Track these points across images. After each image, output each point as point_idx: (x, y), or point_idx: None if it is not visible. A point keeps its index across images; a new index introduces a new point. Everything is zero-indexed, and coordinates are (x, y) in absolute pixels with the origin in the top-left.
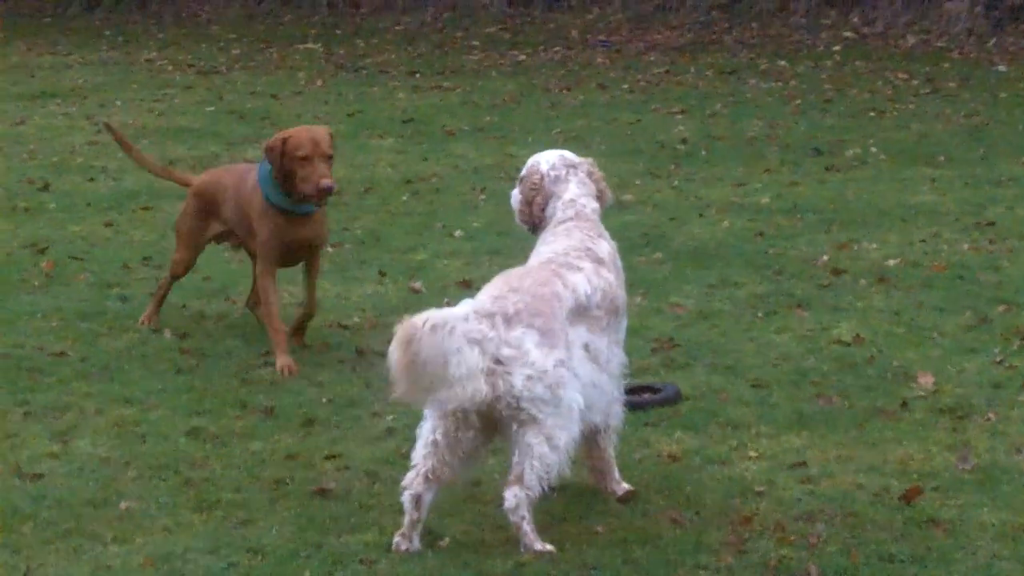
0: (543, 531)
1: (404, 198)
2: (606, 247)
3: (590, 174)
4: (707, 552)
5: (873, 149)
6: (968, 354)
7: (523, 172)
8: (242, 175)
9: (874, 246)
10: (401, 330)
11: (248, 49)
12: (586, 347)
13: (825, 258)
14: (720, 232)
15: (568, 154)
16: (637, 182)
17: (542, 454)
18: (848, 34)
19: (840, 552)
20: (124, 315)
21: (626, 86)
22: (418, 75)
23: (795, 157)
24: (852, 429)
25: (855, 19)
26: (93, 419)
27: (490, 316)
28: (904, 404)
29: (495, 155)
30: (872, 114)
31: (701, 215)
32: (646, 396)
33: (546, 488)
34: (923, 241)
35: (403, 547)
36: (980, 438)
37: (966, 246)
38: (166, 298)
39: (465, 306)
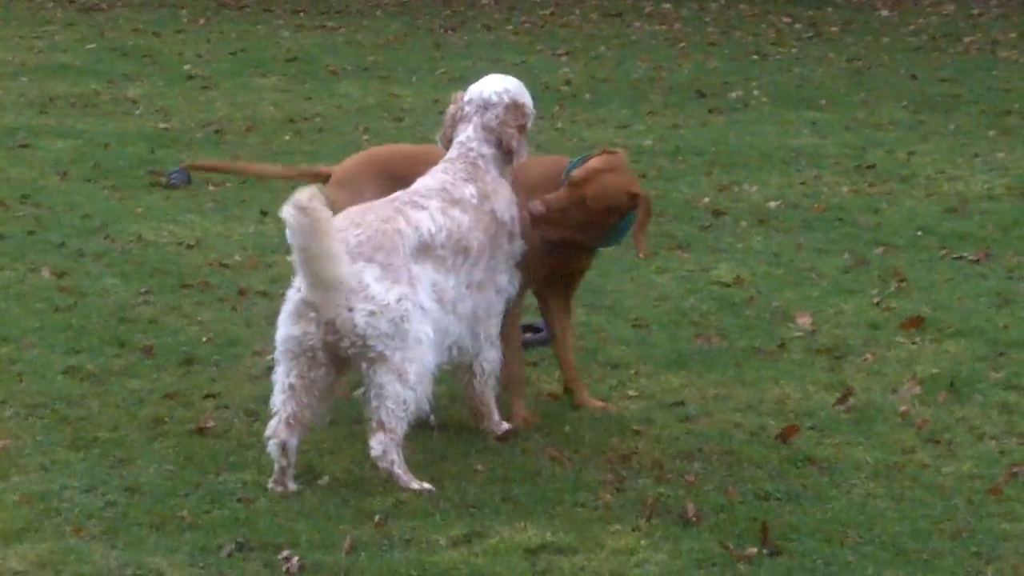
0: (423, 469)
1: (287, 137)
2: (470, 190)
3: (498, 118)
4: (586, 490)
5: (756, 92)
6: (846, 295)
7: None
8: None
9: (755, 188)
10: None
11: None
12: (433, 286)
13: (706, 200)
14: None
15: (495, 90)
16: None
17: (396, 393)
18: None
19: (717, 490)
20: (0, 253)
21: (511, 27)
22: (302, 14)
23: (678, 100)
24: (730, 369)
25: None
26: None
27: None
28: (782, 344)
29: (379, 95)
30: (755, 57)
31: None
32: (527, 335)
33: (406, 427)
34: (803, 183)
35: (278, 491)
36: (857, 378)
37: (846, 189)
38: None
39: None
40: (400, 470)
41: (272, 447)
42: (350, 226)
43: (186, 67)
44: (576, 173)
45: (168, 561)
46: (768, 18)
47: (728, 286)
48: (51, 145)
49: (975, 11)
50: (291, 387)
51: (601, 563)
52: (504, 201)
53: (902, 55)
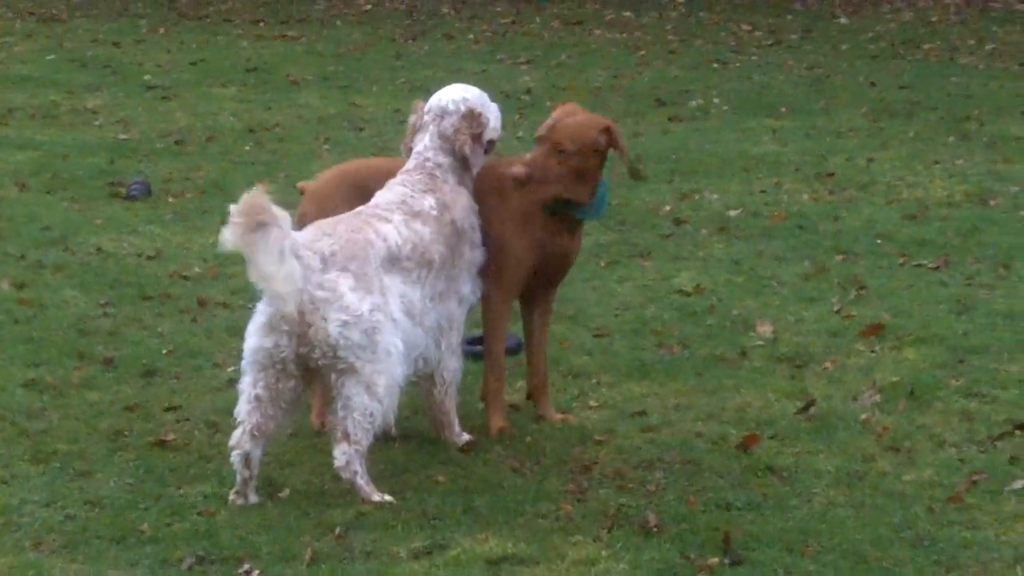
0: (384, 480)
1: (247, 147)
2: (429, 202)
3: (453, 127)
4: (547, 500)
5: (716, 100)
6: (806, 303)
7: None
8: None
9: (715, 196)
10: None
11: None
12: (401, 297)
13: (667, 208)
14: None
15: (452, 99)
16: None
17: (363, 405)
18: None
19: (678, 499)
20: None
21: (472, 36)
22: (262, 24)
23: (639, 107)
24: (692, 378)
25: None
26: None
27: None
28: (743, 352)
29: (339, 104)
30: (715, 65)
31: None
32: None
33: (371, 439)
34: (764, 191)
35: (239, 503)
36: (817, 386)
37: (806, 196)
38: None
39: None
40: (362, 481)
41: (235, 458)
42: (322, 236)
43: (146, 77)
44: (542, 127)
45: (128, 574)
46: (728, 26)
47: (689, 295)
48: (10, 156)
49: (934, 18)
50: (257, 398)
51: (562, 574)
52: (463, 210)
53: (861, 62)
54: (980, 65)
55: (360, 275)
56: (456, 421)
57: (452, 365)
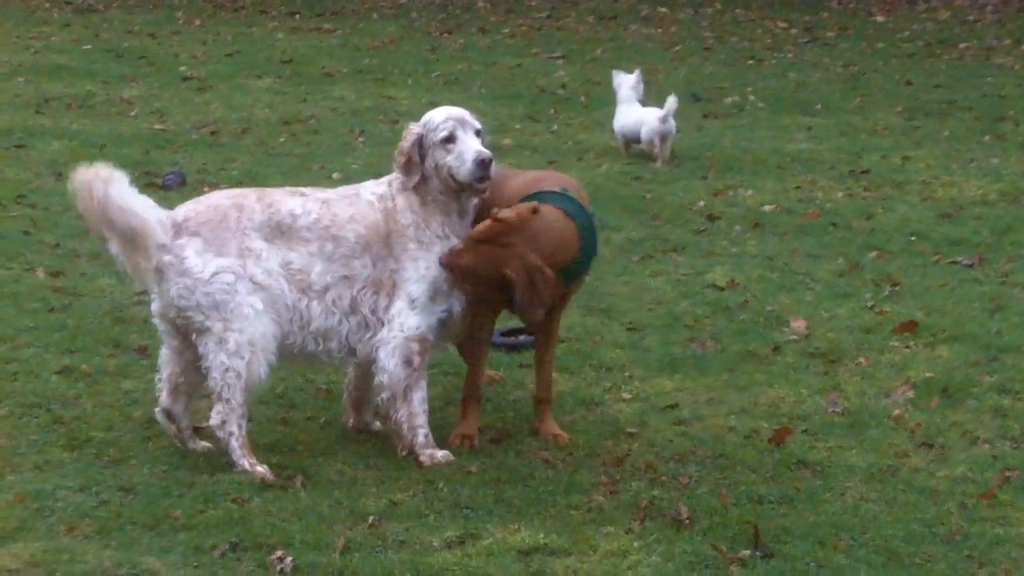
0: (415, 469)
1: (282, 139)
2: (376, 190)
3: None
4: (579, 492)
5: (751, 97)
6: (840, 299)
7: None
8: None
9: (750, 193)
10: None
11: None
12: (286, 264)
13: (701, 204)
14: (598, 176)
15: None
16: (516, 126)
17: (220, 362)
18: None
19: (710, 493)
20: None
21: (507, 30)
22: (298, 16)
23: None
24: (724, 372)
25: None
26: None
27: (163, 224)
28: (776, 348)
29: (374, 97)
30: (751, 62)
31: (580, 159)
32: (521, 338)
33: (242, 397)
34: (798, 188)
35: (182, 448)
36: (850, 382)
37: (840, 194)
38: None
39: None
40: (237, 444)
41: (158, 416)
42: (190, 205)
43: (182, 69)
44: (468, 235)
45: (162, 561)
46: (764, 23)
47: (722, 290)
48: (47, 146)
49: (970, 17)
50: (166, 358)
51: (594, 565)
52: (403, 212)
53: (897, 61)
54: (1016, 65)
55: (211, 239)
56: (420, 435)
57: (390, 366)
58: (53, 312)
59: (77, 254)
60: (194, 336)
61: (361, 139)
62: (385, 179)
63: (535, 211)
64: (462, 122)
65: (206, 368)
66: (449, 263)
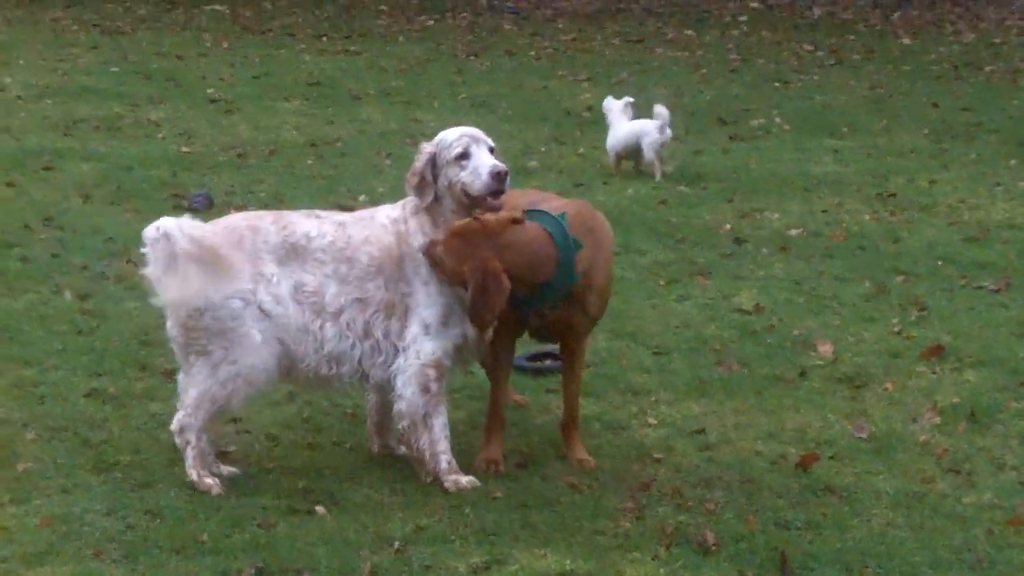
0: (441, 495)
1: (309, 161)
2: (391, 214)
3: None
4: (605, 517)
5: (777, 119)
6: (867, 323)
7: None
8: None
9: (776, 215)
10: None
11: (154, 9)
12: (296, 286)
13: (728, 227)
14: (624, 199)
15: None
16: (542, 148)
17: (204, 384)
18: (755, 4)
19: (737, 518)
20: (24, 275)
21: (533, 53)
22: (325, 38)
23: (700, 126)
24: (751, 396)
25: None
26: None
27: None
28: (803, 372)
29: (401, 120)
30: (777, 84)
31: (605, 183)
32: (548, 362)
33: (207, 419)
34: (825, 211)
35: (208, 482)
36: (877, 407)
37: (867, 216)
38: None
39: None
40: (192, 453)
41: (176, 439)
42: (211, 225)
43: (209, 91)
44: (449, 227)
45: None
46: (790, 45)
47: (749, 314)
48: (75, 168)
49: (996, 40)
50: (184, 381)
51: None
52: (422, 236)
53: (923, 83)
54: None
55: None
56: (443, 462)
57: (407, 394)
58: (81, 335)
59: (105, 276)
60: (192, 354)
61: (388, 161)
62: (400, 203)
63: (516, 221)
64: (476, 139)
65: (191, 381)
66: (426, 250)
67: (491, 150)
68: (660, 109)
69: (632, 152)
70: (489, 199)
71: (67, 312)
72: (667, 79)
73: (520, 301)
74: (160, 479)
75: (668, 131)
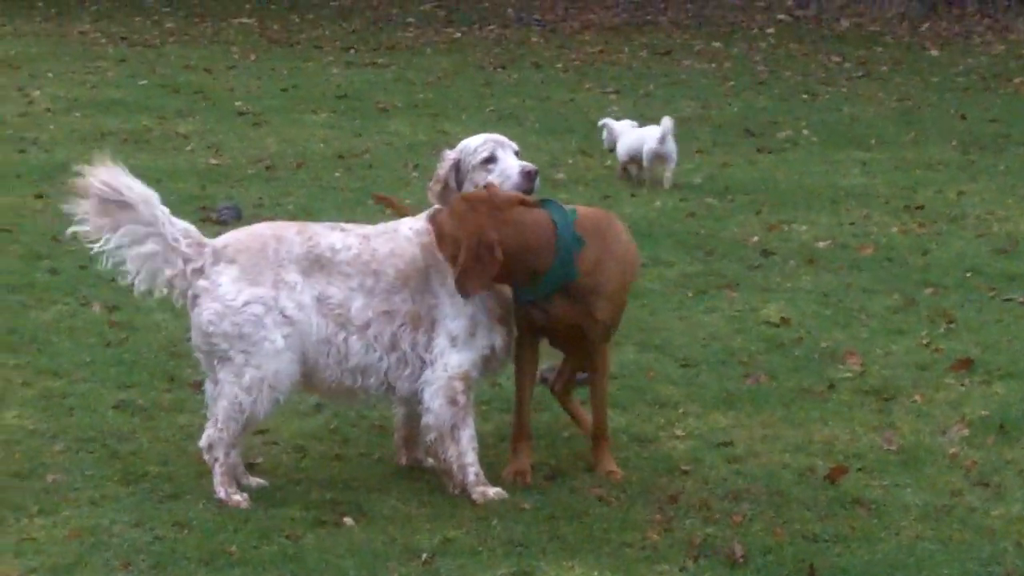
0: (467, 506)
1: (337, 174)
2: (413, 226)
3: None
4: (633, 529)
5: (805, 131)
6: (895, 336)
7: None
8: None
9: (804, 228)
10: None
11: (182, 23)
12: (320, 298)
13: (755, 239)
14: (652, 212)
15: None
16: (570, 161)
17: (231, 392)
18: (782, 16)
19: (765, 531)
20: (53, 287)
21: (560, 65)
22: (353, 51)
23: (727, 138)
24: (779, 409)
25: (789, 2)
26: (20, 391)
27: (201, 245)
28: (831, 385)
29: (428, 132)
30: (805, 96)
31: (633, 195)
32: (577, 375)
33: (239, 430)
34: (852, 223)
35: (236, 498)
36: (905, 419)
37: (895, 229)
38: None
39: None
40: (220, 470)
41: (203, 448)
42: (236, 231)
43: (237, 103)
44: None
45: None
46: (817, 57)
47: (777, 326)
48: None
49: None
50: (211, 391)
51: None
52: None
53: (952, 95)
54: None
55: (248, 267)
56: (471, 474)
57: (435, 406)
58: (109, 347)
59: (133, 288)
60: (215, 363)
61: (415, 173)
62: (423, 214)
63: (522, 202)
64: (500, 143)
65: (219, 393)
66: (433, 218)
67: (516, 154)
68: (665, 121)
69: (637, 159)
70: None
71: (95, 324)
72: (694, 92)
73: (518, 291)
74: (188, 491)
75: (671, 143)
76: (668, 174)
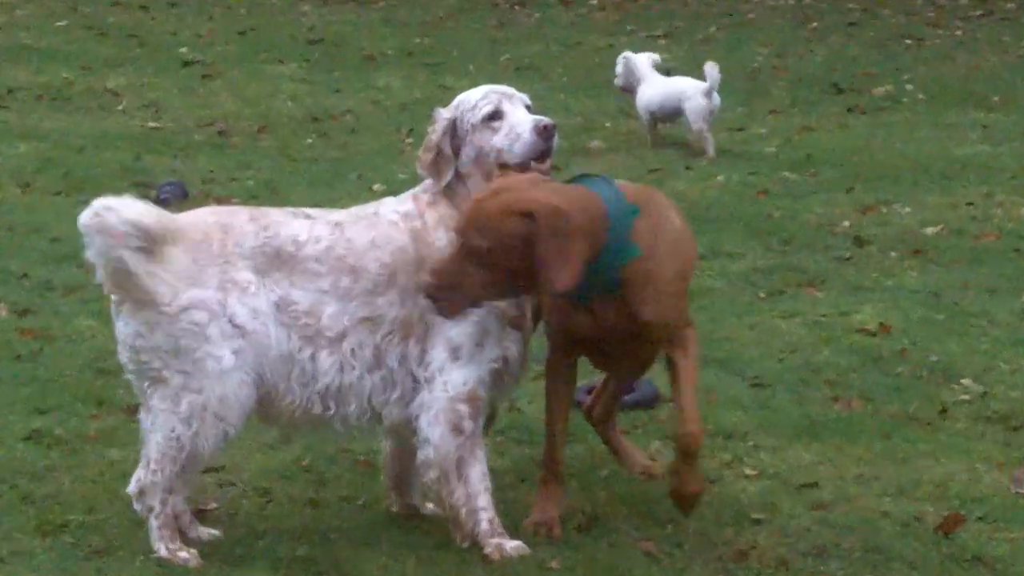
0: (474, 567)
1: (309, 141)
2: (401, 207)
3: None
4: None
5: (909, 87)
6: None
7: None
8: None
9: (908, 210)
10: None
11: None
12: (280, 304)
13: (846, 224)
14: (712, 189)
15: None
16: (607, 124)
17: (166, 424)
18: None
19: None
20: None
21: (595, 2)
22: None
23: (809, 95)
24: (877, 441)
25: None
26: None
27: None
28: (943, 410)
29: (426, 88)
30: (908, 42)
31: (688, 168)
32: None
33: (176, 470)
34: (970, 204)
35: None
36: None
37: None
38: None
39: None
40: (156, 523)
41: (132, 495)
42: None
43: (182, 51)
44: (458, 219)
45: None
46: None
47: (873, 335)
48: (10, 149)
49: None
50: (144, 418)
51: None
52: (446, 232)
53: None
54: None
55: (187, 263)
56: (483, 521)
57: (434, 436)
58: (19, 361)
59: (50, 287)
60: (146, 386)
61: (410, 140)
62: (408, 193)
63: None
64: (507, 95)
65: (152, 424)
66: (459, 225)
67: (528, 108)
68: (711, 69)
69: (670, 115)
70: (533, 164)
71: (2, 332)
72: (767, 36)
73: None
74: (121, 545)
75: (716, 98)
76: (709, 135)
